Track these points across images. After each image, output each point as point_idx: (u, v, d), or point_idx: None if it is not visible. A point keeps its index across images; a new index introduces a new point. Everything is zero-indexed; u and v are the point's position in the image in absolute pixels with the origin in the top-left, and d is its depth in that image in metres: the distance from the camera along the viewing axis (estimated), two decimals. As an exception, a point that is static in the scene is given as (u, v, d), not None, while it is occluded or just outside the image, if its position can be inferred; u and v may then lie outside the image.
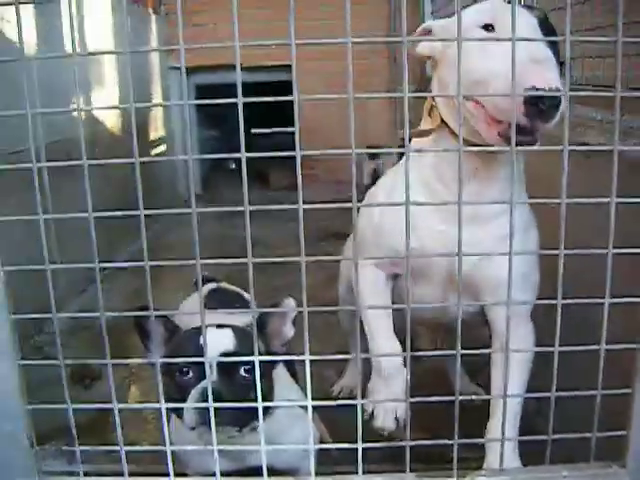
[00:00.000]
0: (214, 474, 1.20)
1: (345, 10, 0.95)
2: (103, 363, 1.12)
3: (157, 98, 4.90)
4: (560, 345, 1.11)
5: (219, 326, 1.35)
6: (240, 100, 0.95)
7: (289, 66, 5.28)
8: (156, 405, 1.15)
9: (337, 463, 1.34)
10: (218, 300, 1.80)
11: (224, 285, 2.06)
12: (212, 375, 1.24)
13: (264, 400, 1.12)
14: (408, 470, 1.19)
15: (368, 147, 5.00)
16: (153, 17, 4.88)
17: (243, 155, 1.01)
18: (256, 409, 1.14)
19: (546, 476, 1.20)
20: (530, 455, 1.26)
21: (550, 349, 1.13)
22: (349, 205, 1.03)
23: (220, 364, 1.26)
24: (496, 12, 1.33)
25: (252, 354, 1.13)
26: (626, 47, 0.99)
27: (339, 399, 2.18)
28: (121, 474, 1.17)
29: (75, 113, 3.23)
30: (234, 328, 1.36)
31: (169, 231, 4.10)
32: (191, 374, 1.29)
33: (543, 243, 1.55)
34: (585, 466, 1.21)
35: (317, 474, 1.18)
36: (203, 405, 1.18)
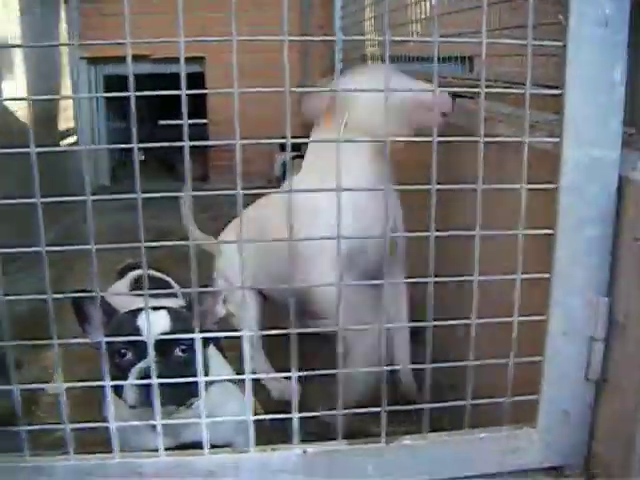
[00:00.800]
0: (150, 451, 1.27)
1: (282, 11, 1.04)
2: (48, 344, 1.16)
3: (66, 89, 4.81)
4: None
5: (154, 308, 1.39)
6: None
7: (200, 58, 5.29)
8: (101, 383, 1.20)
9: (270, 434, 1.40)
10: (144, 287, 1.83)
11: (150, 272, 2.09)
12: (152, 355, 1.29)
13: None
14: (340, 437, 1.28)
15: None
16: (62, 6, 4.80)
17: (187, 144, 1.07)
18: (192, 387, 1.22)
19: (465, 438, 1.32)
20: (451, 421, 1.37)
21: (468, 321, 1.25)
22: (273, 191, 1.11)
23: (157, 345, 1.30)
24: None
25: (187, 333, 1.24)
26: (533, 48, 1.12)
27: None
28: (67, 452, 1.21)
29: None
30: (169, 310, 1.41)
31: (81, 222, 4.04)
32: (130, 355, 1.34)
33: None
34: (500, 428, 1.33)
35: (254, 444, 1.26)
36: (146, 382, 1.22)
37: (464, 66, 2.50)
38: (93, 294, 1.25)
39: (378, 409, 1.25)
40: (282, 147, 5.01)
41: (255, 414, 1.28)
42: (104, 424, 1.21)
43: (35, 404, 2.17)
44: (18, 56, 3.73)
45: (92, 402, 1.48)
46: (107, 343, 1.23)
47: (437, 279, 1.19)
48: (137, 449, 1.36)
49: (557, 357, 1.28)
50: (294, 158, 4.64)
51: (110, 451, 1.21)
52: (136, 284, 1.91)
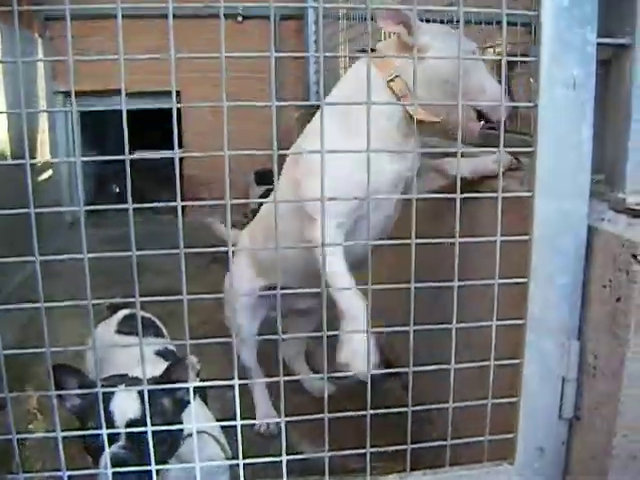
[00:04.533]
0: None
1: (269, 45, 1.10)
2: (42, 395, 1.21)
3: (43, 122, 4.84)
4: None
5: (127, 384, 1.42)
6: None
7: (176, 92, 5.35)
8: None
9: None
10: (132, 326, 1.86)
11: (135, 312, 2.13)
12: (120, 442, 1.34)
13: (175, 440, 1.38)
14: (327, 478, 1.34)
15: (256, 173, 5.14)
16: (39, 41, 4.84)
17: (176, 155, 1.13)
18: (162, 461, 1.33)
19: (447, 476, 1.38)
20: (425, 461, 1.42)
21: (447, 366, 1.32)
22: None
23: (127, 429, 1.34)
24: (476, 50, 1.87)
25: (157, 414, 1.36)
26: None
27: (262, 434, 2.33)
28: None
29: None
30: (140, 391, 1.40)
31: (51, 260, 4.03)
32: (101, 438, 1.33)
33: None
34: (479, 466, 1.40)
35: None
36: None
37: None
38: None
39: (363, 450, 1.31)
40: (258, 181, 5.07)
41: (233, 458, 1.34)
42: (98, 471, 1.25)
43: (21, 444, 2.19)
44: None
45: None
46: (80, 420, 1.28)
47: (416, 327, 1.27)
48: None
49: (532, 397, 1.35)
50: (266, 192, 4.71)
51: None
52: (123, 323, 1.95)
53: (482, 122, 1.85)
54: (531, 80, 1.28)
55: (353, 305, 1.66)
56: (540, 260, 1.30)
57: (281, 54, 1.05)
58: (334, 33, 4.44)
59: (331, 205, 1.30)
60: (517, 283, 1.30)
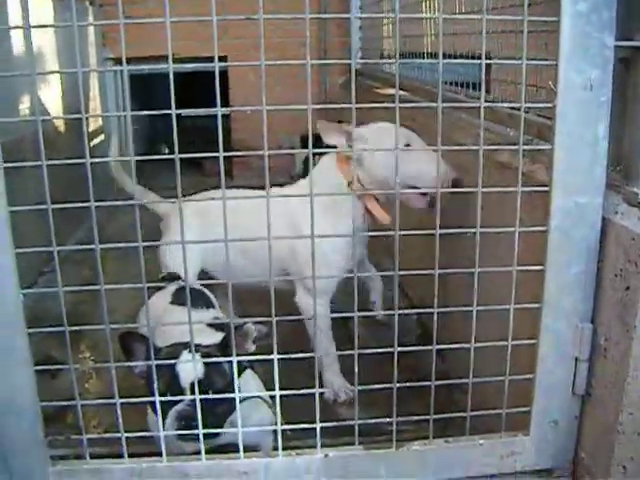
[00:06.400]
0: (189, 454, 1.48)
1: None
2: (105, 366, 1.36)
3: (94, 89, 5.00)
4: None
5: (190, 349, 1.52)
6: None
7: (223, 57, 5.45)
8: (151, 399, 1.41)
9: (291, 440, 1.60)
10: (184, 298, 1.98)
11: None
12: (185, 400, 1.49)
13: (231, 405, 1.47)
14: (357, 443, 1.48)
15: (302, 137, 5.24)
16: (90, 9, 4.97)
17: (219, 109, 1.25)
18: (221, 419, 1.49)
19: (466, 444, 1.51)
20: (453, 426, 1.55)
21: (468, 345, 1.43)
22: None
23: (191, 390, 1.47)
24: (410, 136, 2.25)
25: (219, 376, 1.51)
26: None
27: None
28: (120, 455, 1.42)
29: (23, 113, 3.37)
30: (203, 353, 1.55)
31: (108, 221, 4.22)
32: (169, 395, 1.50)
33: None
34: (497, 435, 1.52)
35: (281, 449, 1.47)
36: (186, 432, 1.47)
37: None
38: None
39: (390, 419, 1.44)
40: (304, 144, 5.16)
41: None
42: (153, 433, 1.41)
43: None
44: (50, 63, 3.93)
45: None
46: (149, 381, 1.43)
47: (443, 309, 1.39)
48: (176, 451, 1.55)
49: (547, 375, 1.46)
50: (315, 155, 4.80)
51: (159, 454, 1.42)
52: (177, 294, 2.07)
53: (427, 197, 2.26)
54: (550, 83, 1.35)
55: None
56: (556, 249, 1.39)
57: (317, 15, 1.13)
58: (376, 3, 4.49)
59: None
60: (534, 270, 1.40)
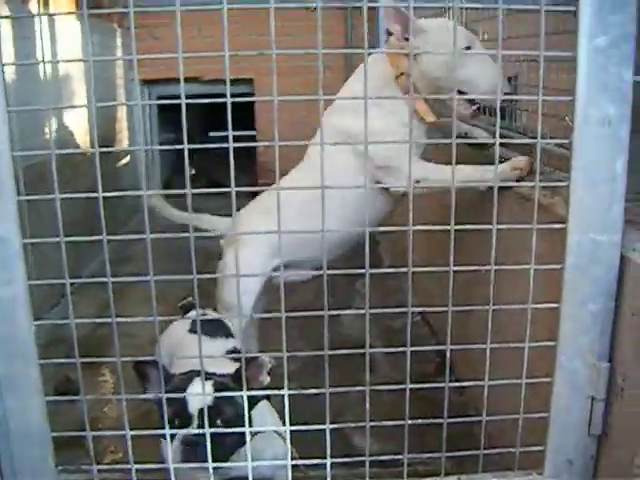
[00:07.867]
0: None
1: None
2: (117, 399, 1.36)
3: (122, 111, 5.06)
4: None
5: (207, 374, 1.50)
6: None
7: (249, 80, 5.50)
8: (159, 432, 1.40)
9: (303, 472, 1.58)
10: (202, 328, 1.97)
11: (208, 312, 2.25)
12: (193, 426, 1.48)
13: (241, 437, 1.44)
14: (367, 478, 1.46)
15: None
16: (118, 31, 5.04)
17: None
18: (229, 451, 1.47)
19: (480, 482, 1.49)
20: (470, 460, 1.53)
21: (482, 383, 1.41)
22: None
23: (200, 417, 1.47)
24: (472, 39, 2.12)
25: (229, 406, 1.48)
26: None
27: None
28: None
29: (47, 136, 3.41)
30: (215, 382, 1.55)
31: (130, 242, 4.20)
32: (176, 422, 1.50)
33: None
34: (511, 474, 1.49)
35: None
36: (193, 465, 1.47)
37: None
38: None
39: (400, 457, 1.42)
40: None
41: (292, 457, 1.47)
42: (164, 465, 1.40)
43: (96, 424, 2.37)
44: (78, 84, 3.98)
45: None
46: (160, 406, 1.42)
47: (456, 346, 1.37)
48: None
49: (562, 414, 1.44)
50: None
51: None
52: (196, 323, 2.05)
53: (473, 107, 2.14)
54: (567, 119, 1.34)
55: None
56: (572, 287, 1.37)
57: (329, 50, 1.15)
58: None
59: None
60: (550, 308, 1.38)
